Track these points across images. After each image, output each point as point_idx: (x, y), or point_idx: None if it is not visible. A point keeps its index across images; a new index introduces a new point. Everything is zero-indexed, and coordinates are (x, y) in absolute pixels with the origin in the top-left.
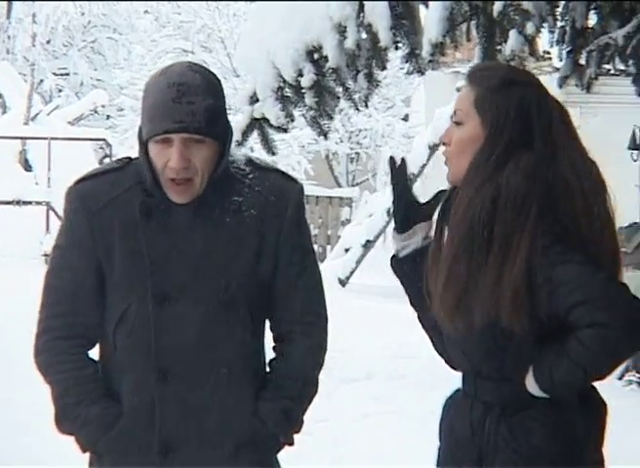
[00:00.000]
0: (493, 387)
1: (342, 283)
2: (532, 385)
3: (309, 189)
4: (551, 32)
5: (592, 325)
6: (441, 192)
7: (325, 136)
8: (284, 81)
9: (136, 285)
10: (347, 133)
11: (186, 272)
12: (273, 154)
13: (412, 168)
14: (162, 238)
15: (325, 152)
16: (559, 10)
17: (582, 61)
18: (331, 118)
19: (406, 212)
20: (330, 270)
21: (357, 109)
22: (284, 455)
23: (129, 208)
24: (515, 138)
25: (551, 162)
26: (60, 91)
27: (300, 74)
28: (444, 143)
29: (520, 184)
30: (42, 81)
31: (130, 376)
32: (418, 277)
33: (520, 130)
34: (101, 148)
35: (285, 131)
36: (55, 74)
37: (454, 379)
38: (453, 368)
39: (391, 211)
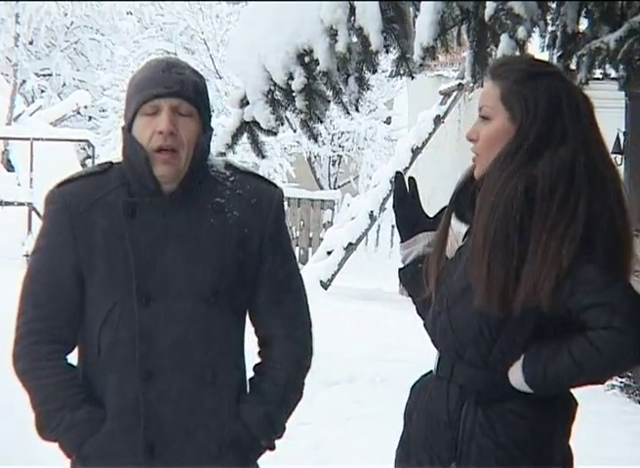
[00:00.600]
0: (471, 373)
1: (324, 285)
2: (517, 377)
3: (291, 191)
4: (542, 37)
5: (607, 328)
6: (444, 208)
7: (315, 139)
8: (274, 84)
9: (120, 285)
10: (330, 135)
11: (171, 272)
12: (263, 157)
13: (394, 170)
14: (146, 237)
15: (307, 154)
16: (550, 14)
17: (573, 66)
18: (321, 121)
19: (407, 222)
20: (312, 273)
21: (347, 113)
22: (265, 458)
23: (113, 209)
24: (546, 130)
25: (586, 155)
26: (43, 91)
27: (291, 77)
28: (471, 140)
29: (557, 176)
30: (24, 82)
31: (114, 376)
32: (421, 282)
33: (551, 121)
34: (84, 149)
35: (275, 134)
36: (37, 75)
37: None
38: (435, 345)
39: (395, 223)
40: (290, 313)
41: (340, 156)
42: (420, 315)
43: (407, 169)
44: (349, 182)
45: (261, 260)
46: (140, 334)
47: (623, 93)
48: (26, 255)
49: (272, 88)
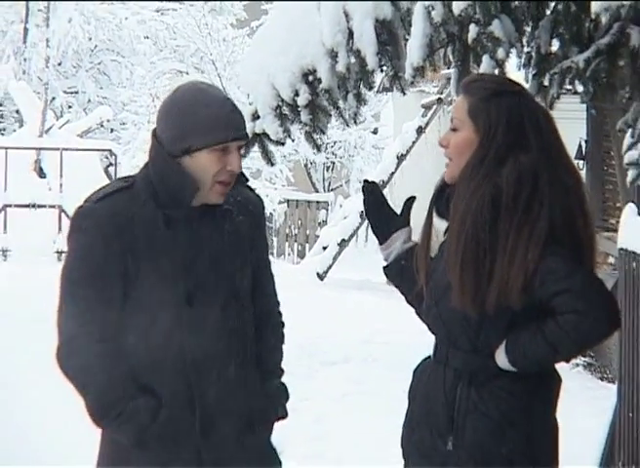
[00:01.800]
0: (463, 357)
1: (321, 277)
2: (501, 358)
3: (290, 194)
4: (519, 57)
5: (573, 312)
6: (408, 200)
7: (318, 148)
8: (282, 100)
9: (166, 288)
10: (324, 144)
11: (207, 274)
12: (272, 165)
13: (382, 175)
14: (183, 245)
15: (304, 161)
16: (526, 37)
17: (546, 83)
18: (323, 133)
19: (380, 226)
20: (309, 266)
21: (347, 125)
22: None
23: (151, 221)
24: (508, 142)
25: (548, 164)
26: (70, 107)
27: (297, 94)
28: (442, 146)
29: (519, 183)
30: (54, 98)
31: (165, 369)
32: (407, 277)
33: (512, 135)
34: (106, 158)
35: (283, 144)
36: (65, 92)
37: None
38: (432, 333)
39: (369, 225)
40: (275, 302)
41: (333, 162)
42: (410, 304)
43: (392, 174)
44: (341, 186)
45: (256, 259)
46: (188, 332)
47: (585, 106)
48: (58, 252)
49: (280, 104)
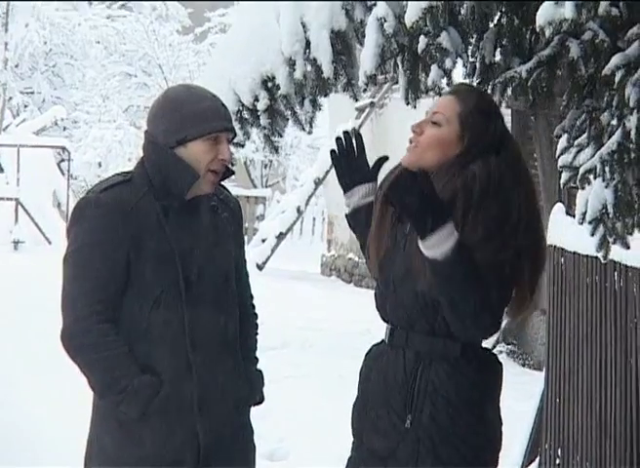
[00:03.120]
0: (423, 340)
1: (260, 267)
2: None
3: (230, 190)
4: (465, 66)
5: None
6: (381, 159)
7: (276, 150)
8: (242, 105)
9: (167, 272)
10: (262, 143)
11: (202, 260)
12: (233, 165)
13: (318, 173)
14: (181, 234)
15: (243, 159)
16: (471, 48)
17: (489, 91)
18: (281, 136)
19: (345, 176)
20: (249, 257)
21: (303, 129)
22: None
23: (150, 210)
24: (485, 155)
25: (513, 165)
26: (26, 106)
27: (257, 99)
28: (414, 131)
29: (488, 178)
30: (11, 98)
31: (165, 348)
32: (360, 230)
33: (489, 145)
34: (59, 154)
35: (242, 146)
36: (22, 92)
37: (357, 349)
38: (385, 321)
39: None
40: (250, 294)
41: (270, 160)
42: (363, 252)
43: (328, 172)
44: (278, 182)
45: (241, 245)
46: (187, 312)
47: (510, 110)
48: (14, 242)
49: (241, 108)
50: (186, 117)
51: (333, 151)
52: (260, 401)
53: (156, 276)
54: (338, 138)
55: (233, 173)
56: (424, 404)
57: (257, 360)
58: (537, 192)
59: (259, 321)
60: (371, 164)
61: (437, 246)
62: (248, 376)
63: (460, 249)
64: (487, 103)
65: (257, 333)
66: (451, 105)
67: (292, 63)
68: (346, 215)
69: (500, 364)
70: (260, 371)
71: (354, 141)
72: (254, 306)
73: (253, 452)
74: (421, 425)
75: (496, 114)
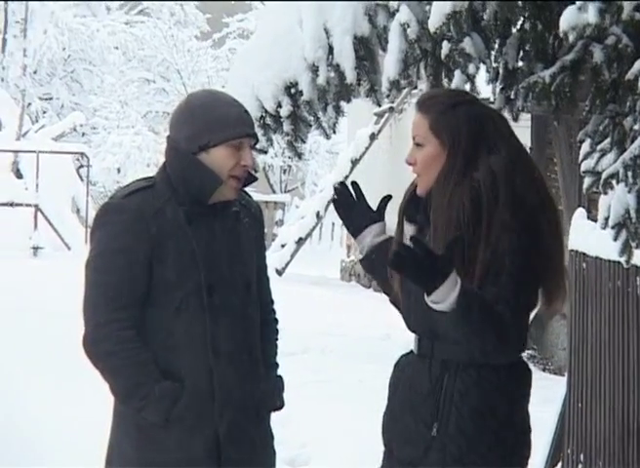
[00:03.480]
0: (449, 349)
1: (279, 273)
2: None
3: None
4: (488, 72)
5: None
6: (384, 197)
7: (299, 156)
8: (266, 111)
9: (189, 278)
10: (281, 148)
11: (224, 266)
12: (256, 172)
13: (337, 178)
14: (203, 239)
15: (262, 164)
16: (494, 53)
17: (512, 96)
18: (304, 142)
19: (352, 222)
20: (269, 262)
21: (326, 135)
22: None
23: (173, 217)
24: (474, 148)
25: (515, 161)
26: (45, 112)
27: (280, 106)
28: (410, 163)
29: (495, 183)
30: (30, 104)
31: (188, 355)
32: (378, 271)
33: (476, 140)
34: (78, 160)
35: (265, 153)
36: (40, 99)
37: (376, 355)
38: (412, 331)
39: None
40: (269, 289)
41: (289, 166)
42: (385, 293)
43: (347, 177)
44: (297, 188)
45: (262, 251)
46: (210, 319)
47: (530, 114)
48: (33, 248)
49: (264, 114)
50: (209, 123)
51: (334, 200)
52: (281, 406)
53: (179, 281)
54: (335, 189)
55: (256, 178)
56: (451, 412)
57: (277, 365)
58: (546, 181)
59: (279, 326)
60: (390, 164)
61: (442, 300)
62: (268, 382)
63: (464, 295)
64: (447, 102)
65: (277, 339)
66: (420, 122)
67: (315, 69)
68: (360, 261)
69: (529, 370)
70: (281, 377)
71: (351, 189)
72: (274, 311)
73: (273, 458)
74: (448, 434)
75: (462, 104)
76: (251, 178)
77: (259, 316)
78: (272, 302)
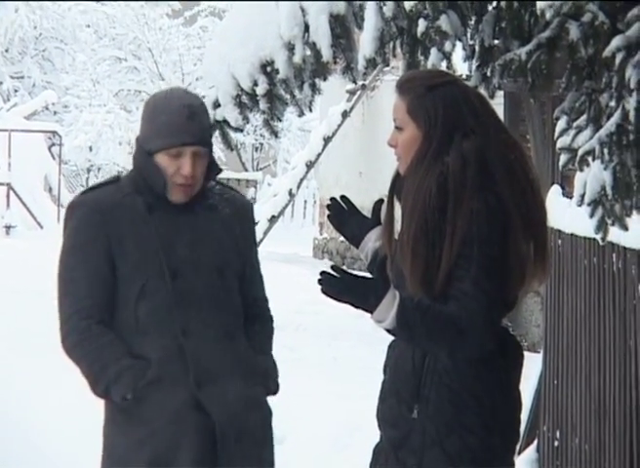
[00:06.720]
0: None
1: None
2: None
3: (221, 173)
4: (464, 49)
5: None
6: (377, 203)
7: (276, 135)
8: (242, 90)
9: (150, 264)
10: (253, 126)
11: (186, 251)
12: (232, 150)
13: (309, 156)
14: (164, 228)
15: (234, 142)
16: (470, 31)
17: (489, 74)
18: (280, 120)
19: (353, 235)
20: None
21: (302, 113)
22: None
23: (133, 207)
24: (448, 131)
25: (489, 143)
26: (17, 91)
27: (256, 84)
28: (391, 145)
29: (463, 168)
30: (1, 83)
31: (154, 336)
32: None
33: (451, 122)
34: (50, 138)
35: (241, 131)
36: (12, 77)
37: (350, 332)
38: None
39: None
40: (261, 279)
41: (261, 143)
42: None
43: (319, 154)
44: (269, 165)
45: (246, 250)
46: (175, 301)
47: (502, 92)
48: (6, 227)
49: (240, 93)
50: (152, 130)
51: (329, 217)
52: (276, 391)
53: (141, 267)
54: (327, 206)
55: (221, 170)
56: (431, 394)
57: (270, 356)
58: (525, 155)
59: None
60: (362, 141)
61: (384, 319)
62: (262, 363)
63: (403, 311)
64: (425, 84)
65: (269, 333)
66: (399, 105)
67: (291, 48)
68: (367, 267)
69: (519, 346)
70: (274, 362)
71: (343, 204)
72: (269, 309)
73: (270, 431)
74: (428, 416)
75: (440, 86)
76: (216, 170)
77: (238, 307)
78: (266, 300)
